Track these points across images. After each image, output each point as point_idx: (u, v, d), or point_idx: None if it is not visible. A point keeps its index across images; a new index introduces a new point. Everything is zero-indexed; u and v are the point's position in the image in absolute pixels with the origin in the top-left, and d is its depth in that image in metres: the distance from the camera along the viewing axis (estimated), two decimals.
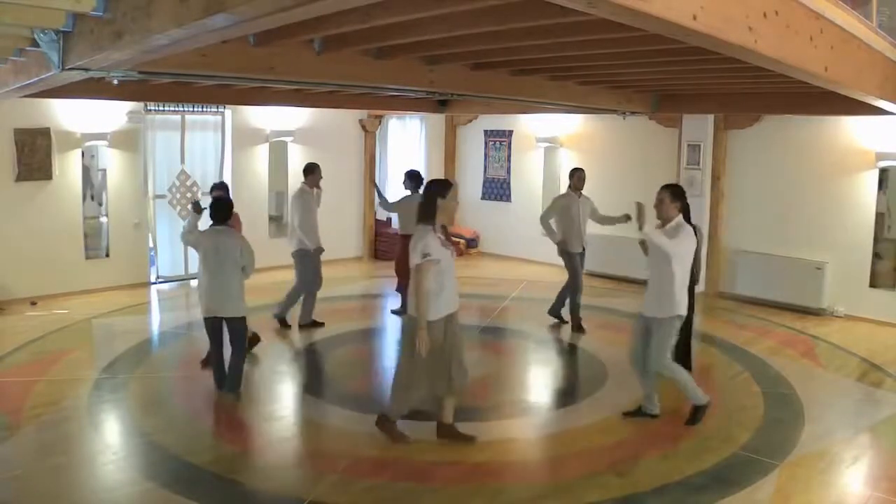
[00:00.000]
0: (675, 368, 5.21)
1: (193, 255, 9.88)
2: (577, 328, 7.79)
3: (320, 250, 7.61)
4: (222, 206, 5.72)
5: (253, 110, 10.31)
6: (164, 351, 7.21)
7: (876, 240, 8.39)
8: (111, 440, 5.04)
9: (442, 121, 12.74)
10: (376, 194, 8.84)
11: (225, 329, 5.67)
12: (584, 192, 7.75)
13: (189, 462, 4.59)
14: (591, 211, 7.79)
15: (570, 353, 7.42)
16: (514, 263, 10.30)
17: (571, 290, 7.80)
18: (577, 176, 7.73)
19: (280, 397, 6.04)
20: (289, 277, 7.91)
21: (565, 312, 7.96)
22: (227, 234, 5.66)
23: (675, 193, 5.15)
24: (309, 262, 7.55)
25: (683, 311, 5.14)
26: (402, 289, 7.76)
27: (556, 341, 7.71)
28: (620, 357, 6.70)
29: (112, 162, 9.34)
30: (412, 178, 8.04)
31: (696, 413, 5.28)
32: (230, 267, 5.57)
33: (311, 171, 7.68)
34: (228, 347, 5.71)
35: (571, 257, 7.71)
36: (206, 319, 5.66)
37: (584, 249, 7.83)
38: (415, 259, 4.55)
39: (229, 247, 5.58)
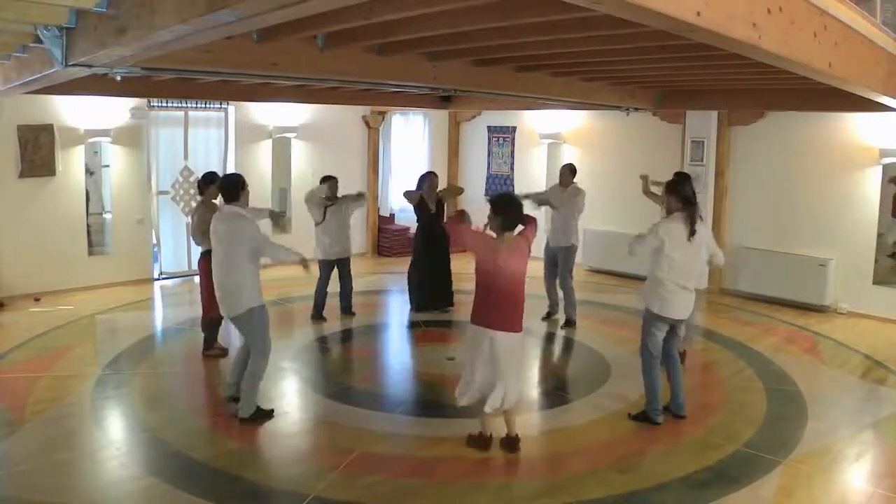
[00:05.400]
0: None
1: (196, 252, 9.94)
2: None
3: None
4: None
5: (256, 106, 10.31)
6: (167, 347, 7.22)
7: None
8: (114, 436, 5.05)
9: (445, 117, 12.72)
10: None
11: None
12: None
13: (192, 458, 4.61)
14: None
15: (572, 350, 7.42)
16: None
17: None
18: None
19: (284, 393, 6.04)
20: (291, 273, 7.91)
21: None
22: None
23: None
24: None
25: None
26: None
27: (557, 338, 7.71)
28: (623, 353, 6.72)
29: (115, 158, 9.36)
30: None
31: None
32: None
33: (570, 171, 8.00)
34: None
35: None
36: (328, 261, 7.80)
37: None
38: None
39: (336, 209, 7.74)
